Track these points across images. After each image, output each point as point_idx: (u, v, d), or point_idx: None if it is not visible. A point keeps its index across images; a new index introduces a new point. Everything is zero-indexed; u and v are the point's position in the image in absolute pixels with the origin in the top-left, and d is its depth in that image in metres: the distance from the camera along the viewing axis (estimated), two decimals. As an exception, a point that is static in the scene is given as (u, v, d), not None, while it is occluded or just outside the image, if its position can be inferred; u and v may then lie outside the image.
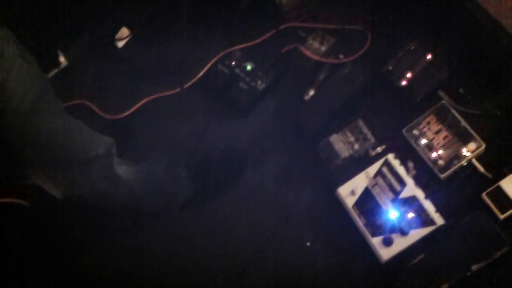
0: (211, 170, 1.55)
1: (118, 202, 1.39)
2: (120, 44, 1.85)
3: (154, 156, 1.60)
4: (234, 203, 1.53)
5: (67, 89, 1.73)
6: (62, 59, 1.82)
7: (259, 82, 1.62)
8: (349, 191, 1.40)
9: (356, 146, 1.45)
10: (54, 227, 1.53)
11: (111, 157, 1.30)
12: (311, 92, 1.58)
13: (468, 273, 1.24)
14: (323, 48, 1.62)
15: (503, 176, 1.30)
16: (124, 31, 1.86)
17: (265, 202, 1.51)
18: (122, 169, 1.33)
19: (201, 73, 1.70)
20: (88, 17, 1.79)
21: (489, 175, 1.33)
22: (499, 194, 1.28)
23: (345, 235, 1.40)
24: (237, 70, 1.65)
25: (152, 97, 1.72)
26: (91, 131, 1.26)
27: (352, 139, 1.46)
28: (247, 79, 1.63)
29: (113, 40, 1.85)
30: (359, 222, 1.36)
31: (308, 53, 1.63)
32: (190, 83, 1.71)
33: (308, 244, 1.43)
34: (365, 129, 1.46)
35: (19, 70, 1.03)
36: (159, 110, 1.70)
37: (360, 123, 1.47)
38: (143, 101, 1.71)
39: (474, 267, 1.24)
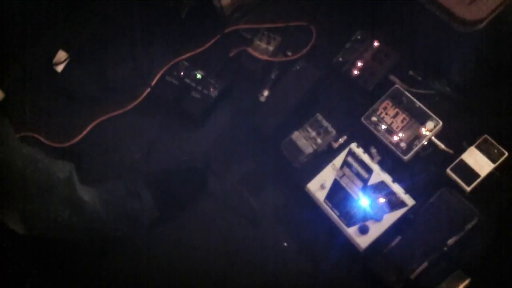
0: (173, 185, 1.50)
1: (85, 231, 1.32)
2: (60, 68, 1.77)
3: (112, 178, 1.53)
4: (203, 215, 1.49)
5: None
6: (-2, 92, 1.72)
7: (211, 90, 1.59)
8: (319, 186, 1.40)
9: (319, 140, 1.45)
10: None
11: (73, 182, 1.24)
12: (266, 93, 1.57)
13: (445, 248, 1.27)
14: (271, 48, 1.62)
15: (464, 149, 1.34)
16: (62, 54, 1.77)
17: (235, 210, 1.47)
18: (85, 194, 1.27)
19: (150, 88, 1.66)
20: (20, 43, 1.69)
21: (451, 151, 1.37)
22: (463, 167, 1.32)
23: (321, 229, 1.39)
24: (187, 80, 1.62)
25: (101, 119, 1.65)
26: (48, 158, 1.20)
27: (313, 134, 1.46)
28: (199, 88, 1.60)
29: (51, 65, 1.76)
30: (333, 214, 1.37)
31: (256, 54, 1.62)
32: (144, 94, 1.66)
33: (285, 244, 1.42)
34: (324, 122, 1.46)
35: None
36: (111, 130, 1.64)
37: (319, 117, 1.47)
38: (92, 125, 1.65)
39: (450, 242, 1.27)
